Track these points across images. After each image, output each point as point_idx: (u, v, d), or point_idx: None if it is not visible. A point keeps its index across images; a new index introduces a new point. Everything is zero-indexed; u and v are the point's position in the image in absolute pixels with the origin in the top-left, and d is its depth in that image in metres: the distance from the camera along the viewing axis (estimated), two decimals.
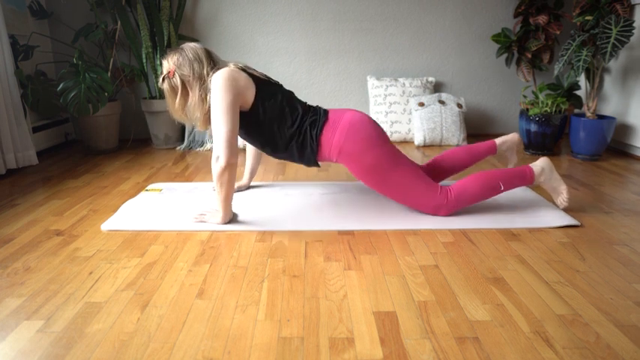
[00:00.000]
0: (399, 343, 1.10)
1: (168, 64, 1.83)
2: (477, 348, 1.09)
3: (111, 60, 3.17)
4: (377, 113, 3.32)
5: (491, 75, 3.48)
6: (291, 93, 1.89)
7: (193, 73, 1.80)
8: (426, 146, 3.20)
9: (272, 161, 2.84)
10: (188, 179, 2.48)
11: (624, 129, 2.87)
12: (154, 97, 3.28)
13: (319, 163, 1.85)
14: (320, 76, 3.46)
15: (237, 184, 2.23)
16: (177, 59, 1.81)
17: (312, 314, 1.23)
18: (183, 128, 3.35)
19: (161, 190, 2.25)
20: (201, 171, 2.65)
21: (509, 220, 1.83)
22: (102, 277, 1.44)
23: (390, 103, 3.30)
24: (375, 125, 1.83)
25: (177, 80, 1.81)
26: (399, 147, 3.21)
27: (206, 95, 1.79)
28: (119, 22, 3.13)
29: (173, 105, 1.85)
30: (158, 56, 3.17)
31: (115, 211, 2.01)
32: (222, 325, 1.19)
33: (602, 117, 2.81)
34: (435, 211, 1.86)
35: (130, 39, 3.12)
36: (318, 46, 3.41)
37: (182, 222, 1.85)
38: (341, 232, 1.76)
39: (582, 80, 3.16)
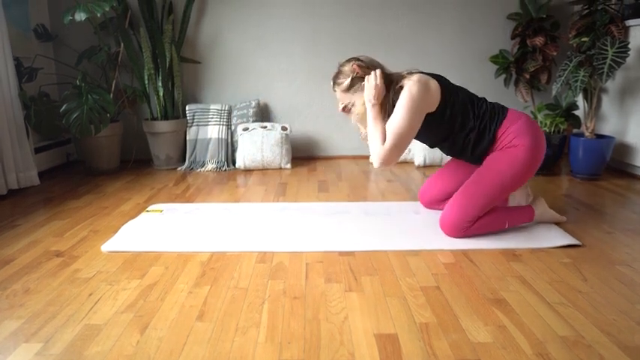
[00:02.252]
0: None
1: (350, 66, 1.94)
2: None
3: (113, 82, 3.21)
4: None
5: (490, 95, 3.50)
6: (462, 87, 1.94)
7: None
8: (426, 166, 3.21)
9: (272, 182, 2.85)
10: (189, 200, 2.49)
11: (623, 148, 2.88)
12: (156, 118, 3.31)
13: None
14: (321, 97, 3.49)
15: None
16: (360, 62, 1.93)
17: (312, 337, 1.22)
18: (184, 149, 3.37)
19: (162, 211, 2.25)
20: (202, 192, 2.65)
21: (510, 241, 1.82)
22: (102, 299, 1.43)
23: None
24: (544, 136, 1.89)
25: (357, 78, 1.93)
26: (399, 168, 3.22)
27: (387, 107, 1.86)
28: (122, 45, 3.18)
29: (360, 105, 1.98)
30: (160, 78, 3.21)
31: (115, 231, 2.01)
32: (222, 347, 1.18)
33: (600, 136, 2.83)
34: (455, 229, 1.83)
35: (132, 61, 3.16)
36: (319, 67, 3.45)
37: (183, 243, 1.85)
38: (342, 253, 1.75)
39: (580, 100, 3.19)
